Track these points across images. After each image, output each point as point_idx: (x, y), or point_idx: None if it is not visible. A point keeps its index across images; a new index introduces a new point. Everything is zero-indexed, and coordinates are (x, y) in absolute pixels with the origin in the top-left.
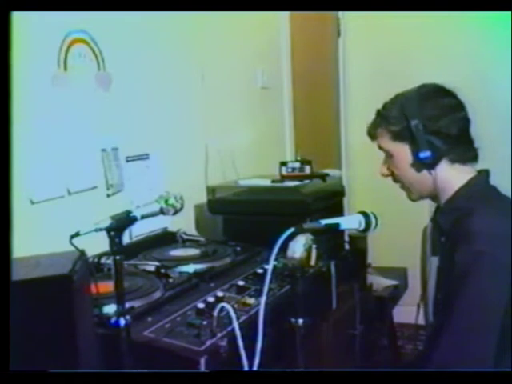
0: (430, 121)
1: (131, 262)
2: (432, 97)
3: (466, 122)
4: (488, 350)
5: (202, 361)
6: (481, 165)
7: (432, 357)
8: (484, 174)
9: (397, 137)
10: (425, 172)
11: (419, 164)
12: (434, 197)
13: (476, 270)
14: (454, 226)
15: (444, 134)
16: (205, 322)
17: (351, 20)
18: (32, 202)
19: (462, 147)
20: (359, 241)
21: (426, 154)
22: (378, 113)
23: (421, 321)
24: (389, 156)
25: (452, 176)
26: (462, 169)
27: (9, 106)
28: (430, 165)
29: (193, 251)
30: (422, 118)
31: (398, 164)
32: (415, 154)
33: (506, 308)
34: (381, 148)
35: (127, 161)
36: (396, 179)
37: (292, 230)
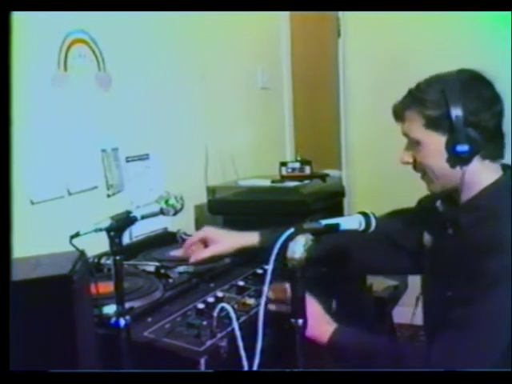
0: (471, 112)
1: (131, 262)
2: (474, 85)
3: (501, 115)
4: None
5: (202, 361)
6: None
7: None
8: (509, 173)
9: (431, 124)
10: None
11: (454, 157)
12: (454, 191)
13: (506, 284)
14: (476, 226)
15: (482, 128)
16: (205, 323)
17: (351, 20)
18: (32, 202)
19: (495, 142)
20: None
21: (464, 147)
22: (410, 92)
23: (420, 321)
24: (415, 143)
25: (481, 172)
26: (490, 166)
27: (9, 106)
28: (465, 159)
29: None
30: (463, 107)
31: (426, 154)
32: (451, 146)
33: None
34: (405, 134)
35: (127, 161)
36: (417, 168)
37: (292, 230)
